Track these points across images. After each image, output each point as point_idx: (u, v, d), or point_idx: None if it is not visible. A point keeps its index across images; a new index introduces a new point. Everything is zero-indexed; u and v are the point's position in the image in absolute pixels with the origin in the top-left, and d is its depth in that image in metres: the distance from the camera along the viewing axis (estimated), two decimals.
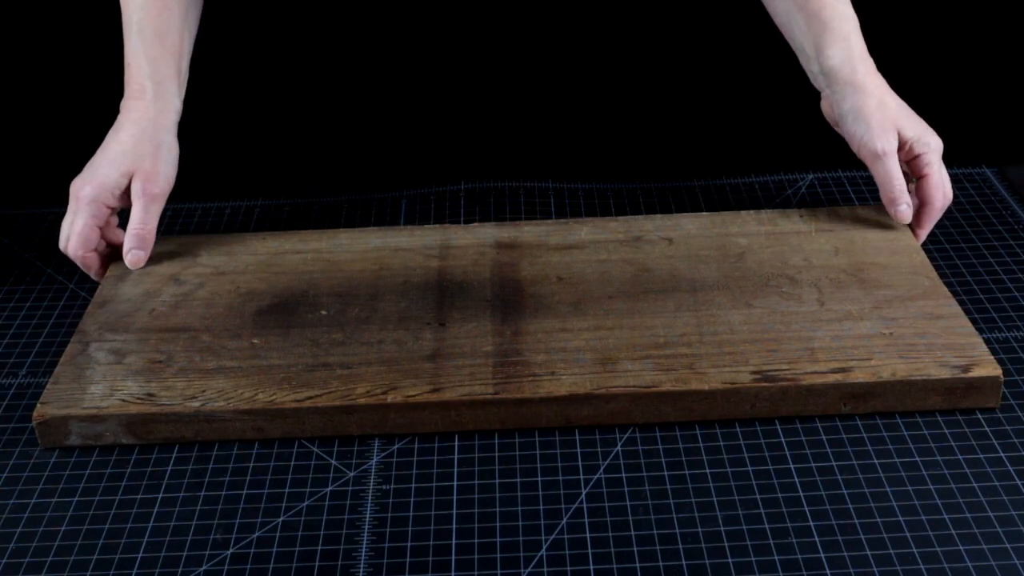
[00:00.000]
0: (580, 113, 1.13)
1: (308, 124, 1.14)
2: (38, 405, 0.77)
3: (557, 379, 0.77)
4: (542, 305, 0.84)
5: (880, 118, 0.89)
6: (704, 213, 0.95)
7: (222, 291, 0.88)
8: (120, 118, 0.92)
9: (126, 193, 0.90)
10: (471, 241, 0.93)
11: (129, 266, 0.90)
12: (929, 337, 0.79)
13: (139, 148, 0.90)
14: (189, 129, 0.95)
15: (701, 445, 0.76)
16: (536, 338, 0.81)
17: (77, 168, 0.90)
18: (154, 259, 0.91)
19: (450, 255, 0.91)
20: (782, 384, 0.76)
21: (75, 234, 0.88)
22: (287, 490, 0.74)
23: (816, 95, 0.95)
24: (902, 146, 0.90)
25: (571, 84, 1.11)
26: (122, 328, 0.84)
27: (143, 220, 0.90)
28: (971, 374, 0.76)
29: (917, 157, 0.89)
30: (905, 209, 0.90)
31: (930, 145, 0.90)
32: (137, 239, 0.90)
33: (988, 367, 0.76)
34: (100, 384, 0.78)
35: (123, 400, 0.77)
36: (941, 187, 0.90)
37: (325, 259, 0.91)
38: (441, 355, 0.80)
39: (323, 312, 0.85)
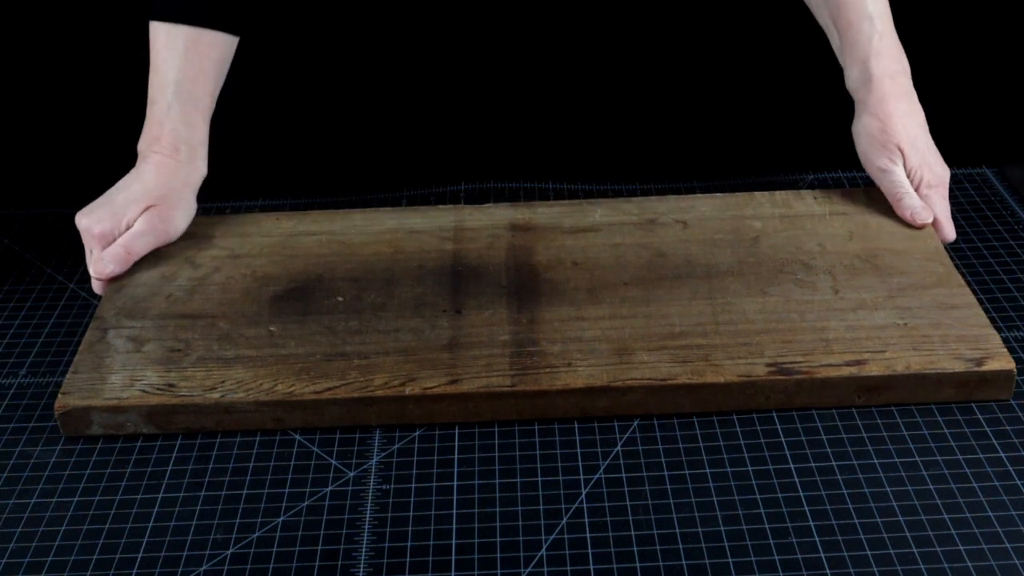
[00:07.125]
0: (579, 114, 1.13)
1: (308, 125, 1.14)
2: (59, 395, 0.77)
3: (574, 370, 0.77)
4: (557, 291, 0.84)
5: (884, 139, 0.90)
6: (718, 195, 0.95)
7: (237, 275, 0.87)
8: (143, 165, 0.90)
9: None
10: (485, 223, 0.92)
11: (93, 275, 0.87)
12: (943, 328, 0.79)
13: (165, 194, 0.88)
14: None
15: (701, 445, 0.76)
16: (552, 326, 0.81)
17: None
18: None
19: (464, 237, 0.90)
20: (797, 377, 0.76)
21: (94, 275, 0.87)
22: (287, 490, 0.74)
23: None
24: (908, 174, 0.90)
25: (571, 85, 1.11)
26: (139, 314, 0.84)
27: (132, 245, 0.87)
28: (985, 368, 0.76)
29: (917, 187, 0.90)
30: (920, 210, 0.89)
31: (928, 178, 0.89)
32: (118, 259, 0.87)
33: (1002, 360, 0.77)
34: (120, 373, 0.78)
35: (143, 391, 0.77)
36: (938, 224, 0.89)
37: (339, 242, 0.91)
38: (458, 344, 0.79)
39: (339, 298, 0.84)
